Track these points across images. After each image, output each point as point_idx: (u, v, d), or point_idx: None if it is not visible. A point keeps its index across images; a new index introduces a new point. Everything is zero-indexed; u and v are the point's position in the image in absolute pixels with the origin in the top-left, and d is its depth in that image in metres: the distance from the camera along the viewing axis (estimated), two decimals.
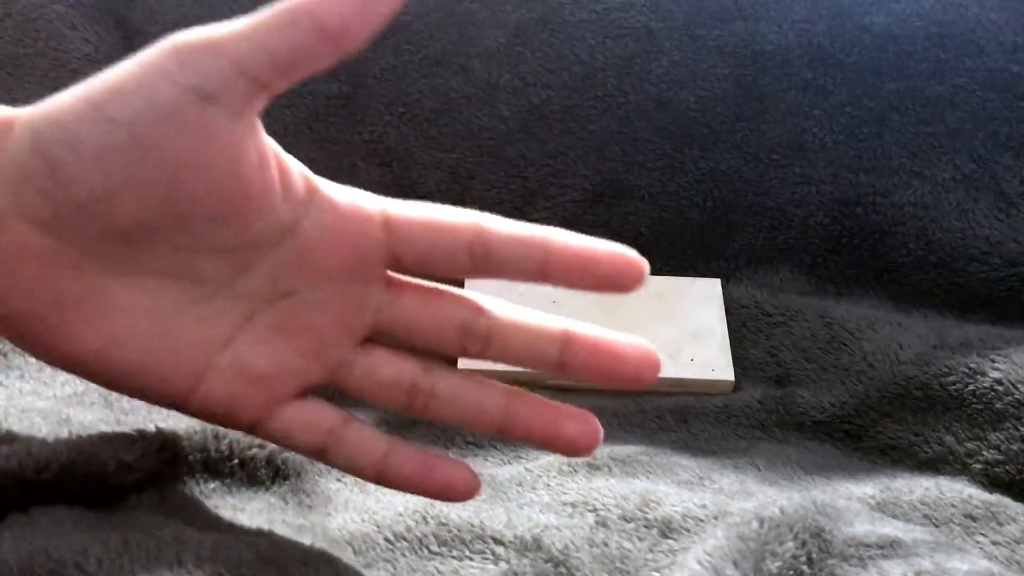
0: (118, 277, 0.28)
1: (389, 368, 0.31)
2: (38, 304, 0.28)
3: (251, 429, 0.31)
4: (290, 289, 0.30)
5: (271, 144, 0.29)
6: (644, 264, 0.29)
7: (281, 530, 0.34)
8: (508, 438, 0.31)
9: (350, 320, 0.31)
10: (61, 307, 0.28)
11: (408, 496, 0.38)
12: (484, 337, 0.30)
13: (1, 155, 0.27)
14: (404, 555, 0.34)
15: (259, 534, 0.33)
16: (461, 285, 0.51)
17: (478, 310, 0.31)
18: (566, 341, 0.30)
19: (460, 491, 0.31)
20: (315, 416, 0.31)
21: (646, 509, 0.35)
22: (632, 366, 0.30)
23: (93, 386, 0.41)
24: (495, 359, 0.31)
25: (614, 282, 0.29)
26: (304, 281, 0.30)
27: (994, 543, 0.37)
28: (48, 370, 0.42)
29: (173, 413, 0.39)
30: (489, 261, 0.29)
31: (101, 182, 0.26)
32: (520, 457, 0.43)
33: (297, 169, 0.29)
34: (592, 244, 0.29)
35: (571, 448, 0.30)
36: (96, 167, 0.26)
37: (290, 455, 0.39)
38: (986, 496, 0.40)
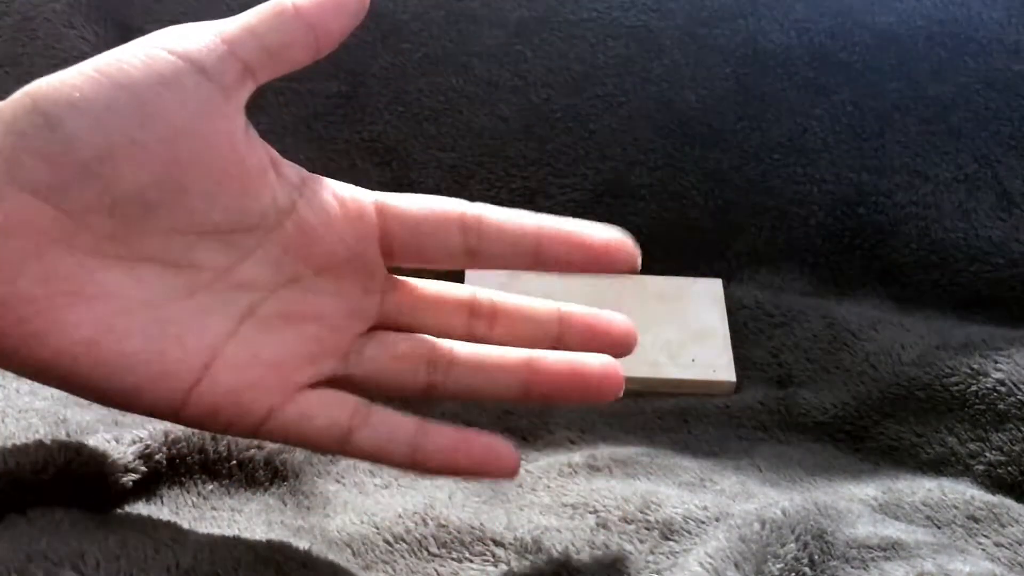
0: (113, 261, 0.27)
1: (405, 342, 0.31)
2: (28, 284, 0.26)
3: (261, 424, 0.30)
4: (293, 276, 0.30)
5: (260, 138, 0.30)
6: (634, 248, 0.32)
7: (279, 531, 0.34)
8: (532, 397, 0.31)
9: (358, 305, 0.31)
10: (52, 288, 0.26)
11: (407, 497, 0.37)
12: (490, 314, 0.32)
13: None
14: (403, 557, 0.34)
15: (257, 536, 0.33)
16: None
17: (479, 290, 0.32)
18: (561, 317, 0.32)
19: (503, 464, 0.31)
20: (337, 398, 0.30)
21: (647, 511, 0.35)
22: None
23: None
24: (500, 340, 0.32)
25: (606, 261, 0.31)
26: (307, 267, 0.30)
27: (996, 544, 0.37)
28: None
29: None
30: (482, 240, 0.31)
31: (102, 140, 0.26)
32: (520, 459, 0.43)
33: (292, 165, 0.30)
34: (583, 225, 0.31)
35: (595, 391, 0.31)
36: (97, 125, 0.26)
37: (289, 456, 0.38)
38: (989, 497, 0.40)
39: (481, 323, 0.32)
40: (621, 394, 0.31)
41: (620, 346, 0.32)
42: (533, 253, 0.31)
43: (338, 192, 0.31)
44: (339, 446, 0.30)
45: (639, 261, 0.32)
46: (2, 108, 0.27)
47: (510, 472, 0.31)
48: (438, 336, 0.32)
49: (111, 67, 0.27)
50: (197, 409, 0.29)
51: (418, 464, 0.30)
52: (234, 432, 0.30)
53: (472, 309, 0.32)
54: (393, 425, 0.30)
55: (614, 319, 0.32)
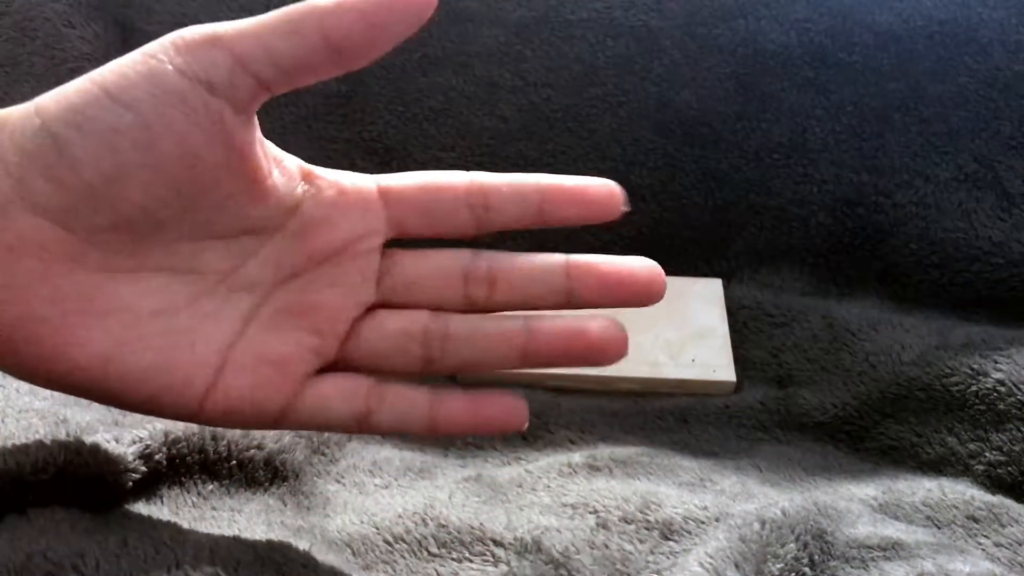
0: (121, 275, 0.28)
1: (399, 319, 0.30)
2: (39, 304, 0.26)
3: (279, 420, 0.30)
4: (292, 272, 0.30)
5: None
6: (620, 191, 0.30)
7: (279, 532, 0.34)
8: (532, 362, 0.30)
9: (355, 291, 0.31)
10: (63, 307, 0.27)
11: (407, 497, 0.37)
12: (488, 278, 0.30)
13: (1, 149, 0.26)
14: (403, 557, 0.34)
15: (257, 536, 0.33)
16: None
17: (476, 253, 0.31)
18: (569, 267, 0.30)
19: (515, 419, 0.30)
20: (350, 382, 0.30)
21: (647, 511, 0.35)
22: (642, 281, 0.29)
23: None
24: (502, 304, 0.30)
25: (603, 209, 0.30)
26: (307, 261, 0.30)
27: (996, 544, 0.37)
28: None
29: None
30: (489, 209, 0.30)
31: (110, 163, 0.25)
32: (520, 458, 0.43)
33: (291, 157, 0.30)
34: (580, 179, 0.30)
35: (597, 353, 0.30)
36: (105, 148, 0.25)
37: (289, 456, 0.38)
38: (988, 497, 0.40)
39: (479, 289, 0.30)
40: (626, 353, 0.30)
41: (644, 295, 0.29)
42: (537, 211, 0.30)
43: (339, 181, 0.30)
44: (359, 427, 0.30)
45: (623, 203, 0.30)
46: (11, 121, 0.26)
47: (520, 426, 0.30)
48: (437, 308, 0.31)
49: (116, 86, 0.26)
50: (214, 412, 0.29)
51: (436, 431, 0.31)
52: (255, 428, 0.31)
53: (468, 276, 0.30)
54: (408, 400, 0.30)
55: (635, 265, 0.30)
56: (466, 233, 0.30)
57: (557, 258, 0.30)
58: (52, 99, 0.26)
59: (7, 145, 0.26)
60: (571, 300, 0.30)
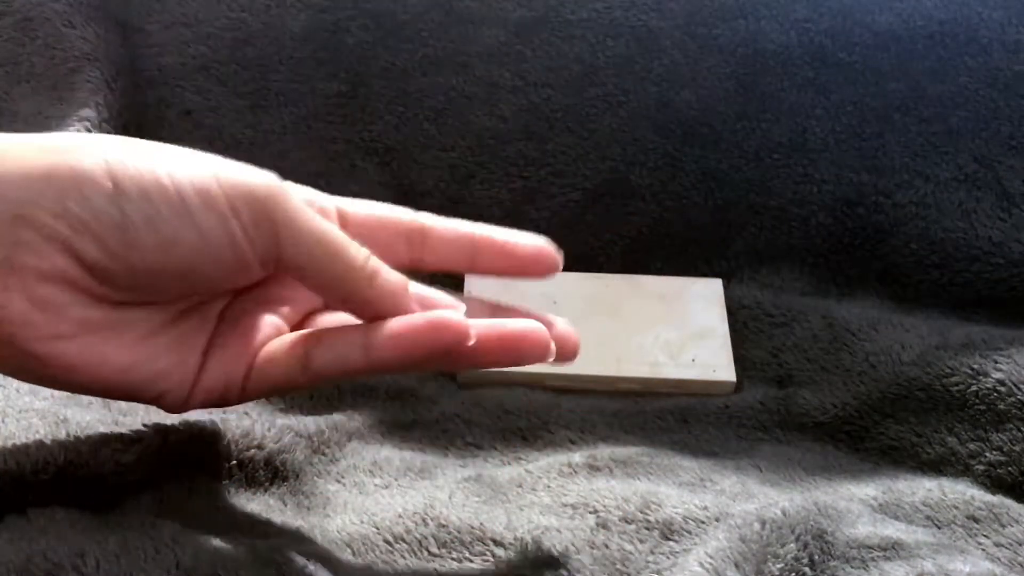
0: (136, 306, 0.30)
1: (338, 319, 0.34)
2: (65, 328, 0.28)
3: (244, 388, 0.32)
4: (259, 282, 0.33)
5: None
6: (557, 254, 0.34)
7: (279, 532, 0.34)
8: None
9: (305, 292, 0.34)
10: (86, 331, 0.29)
11: (407, 497, 0.37)
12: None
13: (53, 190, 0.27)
14: (403, 557, 0.34)
15: (257, 535, 0.33)
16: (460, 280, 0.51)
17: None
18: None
19: (456, 334, 0.29)
20: (289, 335, 0.33)
21: (647, 511, 0.35)
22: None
23: None
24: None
25: (531, 268, 0.34)
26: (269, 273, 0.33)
27: (996, 544, 0.37)
28: None
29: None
30: (425, 249, 0.34)
31: (162, 261, 0.28)
32: (520, 458, 0.43)
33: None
34: (513, 236, 0.34)
35: (532, 266, 0.35)
36: (164, 248, 0.28)
37: (289, 456, 0.38)
38: (988, 497, 0.40)
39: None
40: (559, 270, 0.34)
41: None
42: (468, 261, 0.34)
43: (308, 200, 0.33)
44: (304, 376, 0.31)
45: (559, 265, 0.34)
46: (77, 163, 0.27)
47: (465, 338, 0.29)
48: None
49: (196, 206, 0.28)
50: (197, 400, 0.32)
51: (375, 362, 0.30)
52: (226, 405, 0.33)
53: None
54: (342, 334, 0.31)
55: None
56: (402, 264, 0.33)
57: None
58: (127, 175, 0.28)
59: (72, 190, 0.27)
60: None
